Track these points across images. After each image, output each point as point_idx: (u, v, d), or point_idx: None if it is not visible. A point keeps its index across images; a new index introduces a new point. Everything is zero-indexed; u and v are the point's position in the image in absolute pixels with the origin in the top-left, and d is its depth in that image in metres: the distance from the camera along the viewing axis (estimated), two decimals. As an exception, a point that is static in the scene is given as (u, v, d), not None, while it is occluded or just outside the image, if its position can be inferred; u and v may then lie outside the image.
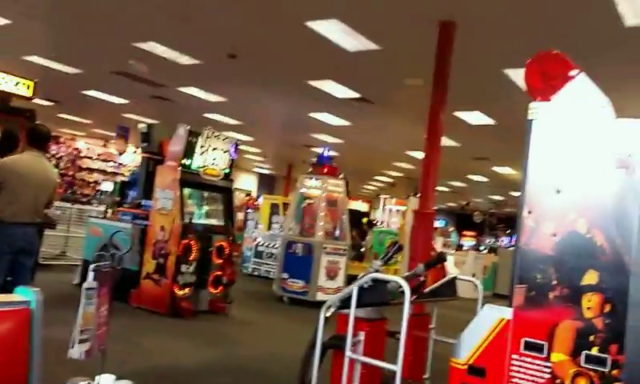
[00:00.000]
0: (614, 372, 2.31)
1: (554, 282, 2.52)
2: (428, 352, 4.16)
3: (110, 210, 8.75)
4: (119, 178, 16.36)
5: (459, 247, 20.91)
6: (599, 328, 2.40)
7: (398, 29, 7.27)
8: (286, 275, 9.34)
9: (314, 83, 10.21)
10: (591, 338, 2.42)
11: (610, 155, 2.45)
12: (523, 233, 2.62)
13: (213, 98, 12.65)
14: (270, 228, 13.20)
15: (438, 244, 17.03)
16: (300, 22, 7.30)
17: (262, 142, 19.34)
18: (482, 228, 27.50)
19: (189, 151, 7.31)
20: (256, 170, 29.21)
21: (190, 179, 7.40)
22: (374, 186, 28.42)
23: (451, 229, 23.76)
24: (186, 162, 7.31)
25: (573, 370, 2.43)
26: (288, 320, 7.92)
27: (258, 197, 21.14)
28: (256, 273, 12.34)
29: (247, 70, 10.10)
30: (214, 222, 7.95)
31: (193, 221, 7.34)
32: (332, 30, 7.40)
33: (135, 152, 18.45)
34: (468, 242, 23.80)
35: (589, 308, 2.44)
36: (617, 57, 7.11)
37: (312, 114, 12.98)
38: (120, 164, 20.16)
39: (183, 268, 7.00)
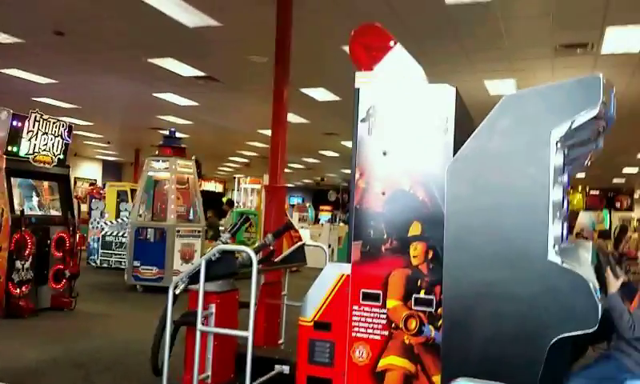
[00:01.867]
0: (439, 310, 2.61)
1: (385, 236, 2.75)
2: (282, 318, 4.33)
3: None
4: None
5: (316, 221, 21.65)
6: (425, 273, 2.69)
7: (237, 5, 7.23)
8: (137, 263, 8.99)
9: (154, 61, 9.78)
10: (419, 282, 2.69)
11: (426, 118, 2.72)
12: (356, 194, 2.82)
13: (41, 79, 11.55)
14: (118, 216, 12.57)
15: (294, 219, 17.51)
16: (134, -4, 6.95)
17: (104, 126, 18.14)
18: (337, 203, 28.69)
19: (14, 137, 6.68)
20: (99, 157, 27.37)
21: (19, 167, 6.78)
22: (230, 167, 28.16)
23: (308, 204, 24.50)
24: (12, 148, 6.67)
25: (405, 313, 2.70)
26: (142, 308, 7.65)
27: (104, 185, 19.87)
28: (105, 265, 11.70)
29: (78, 49, 9.37)
30: (51, 212, 7.37)
31: (25, 213, 6.74)
32: (168, 4, 7.14)
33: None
34: (324, 216, 24.73)
35: (415, 256, 2.71)
36: (441, 34, 7.79)
37: (156, 95, 12.44)
38: None
39: (18, 264, 6.44)
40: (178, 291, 3.23)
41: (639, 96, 10.49)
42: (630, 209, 27.47)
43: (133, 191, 12.45)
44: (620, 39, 7.82)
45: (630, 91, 10.15)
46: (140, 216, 9.64)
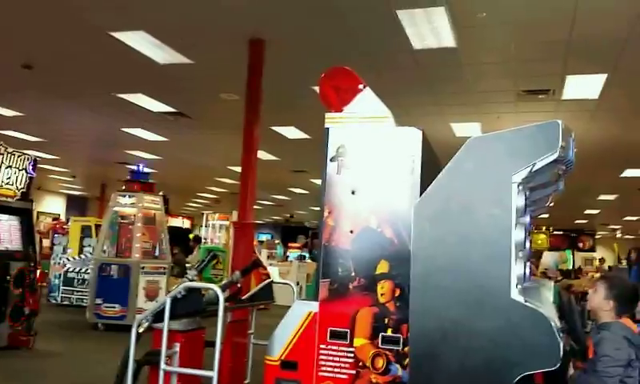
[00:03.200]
0: (406, 349, 2.61)
1: (353, 274, 2.77)
2: (248, 357, 4.26)
3: None
4: None
5: (285, 258, 21.51)
6: (392, 311, 2.70)
7: (208, 44, 7.32)
8: (99, 300, 8.75)
9: (124, 96, 9.75)
10: (386, 320, 2.70)
11: (393, 158, 2.78)
12: (325, 232, 2.84)
13: (7, 112, 11.37)
14: (81, 252, 12.26)
15: (263, 256, 17.36)
16: (104, 31, 6.96)
17: (70, 160, 17.85)
18: (307, 232, 28.61)
19: (-23, 170, 6.52)
20: (64, 191, 26.82)
21: (-20, 201, 6.59)
22: (198, 202, 27.94)
23: (277, 241, 24.36)
24: (-25, 181, 6.50)
25: (372, 351, 2.69)
26: (103, 347, 7.41)
27: (67, 220, 19.41)
28: (66, 302, 11.33)
29: (47, 82, 9.29)
30: (11, 247, 7.15)
31: (-16, 247, 6.54)
32: (139, 40, 7.18)
33: None
34: (293, 253, 24.58)
35: (382, 294, 2.73)
36: (407, 74, 8.02)
37: (125, 129, 12.36)
38: None
39: (-26, 301, 6.19)
40: (141, 330, 3.16)
41: (599, 139, 10.91)
42: (593, 249, 28.15)
43: (97, 226, 12.18)
44: (579, 86, 8.19)
45: (590, 135, 10.56)
46: (104, 252, 9.43)
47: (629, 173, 14.37)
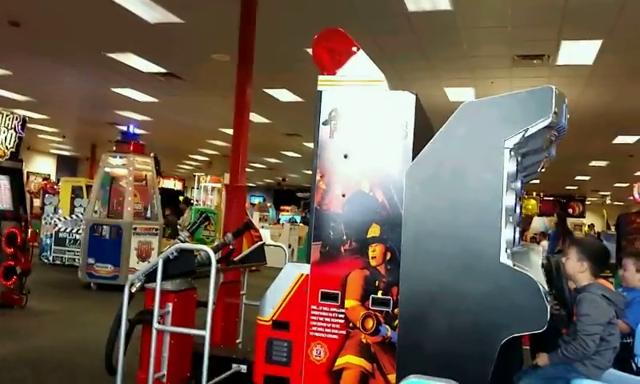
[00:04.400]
0: (396, 311, 2.66)
1: (345, 237, 2.79)
2: (240, 317, 4.31)
3: None
4: None
5: (277, 221, 21.57)
6: (382, 274, 2.74)
7: (200, 3, 7.17)
8: (92, 260, 8.79)
9: (113, 56, 9.58)
10: (376, 283, 2.74)
11: (386, 122, 2.77)
12: (317, 195, 2.85)
13: (-5, 70, 11.17)
14: (72, 213, 12.25)
15: (255, 219, 17.41)
16: (95, -12, 6.81)
17: (60, 120, 17.63)
18: (299, 202, 28.64)
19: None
20: (54, 151, 26.57)
21: (-31, 160, 6.53)
22: (190, 165, 27.79)
23: (269, 204, 24.39)
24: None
25: (362, 312, 2.74)
26: (95, 307, 7.48)
27: (58, 180, 19.30)
28: (58, 262, 11.37)
29: (35, 40, 9.10)
30: (1, 206, 7.13)
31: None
32: (130, -1, 7.03)
33: None
34: (286, 216, 24.64)
35: (373, 257, 2.76)
36: (402, 38, 7.92)
37: (115, 90, 12.18)
38: None
39: (-35, 260, 6.20)
40: (134, 289, 3.18)
41: (592, 106, 10.92)
42: (582, 215, 28.46)
43: (88, 187, 12.17)
44: (574, 52, 8.14)
45: (583, 101, 10.55)
46: (95, 212, 9.42)
47: (620, 139, 14.43)
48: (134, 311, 3.33)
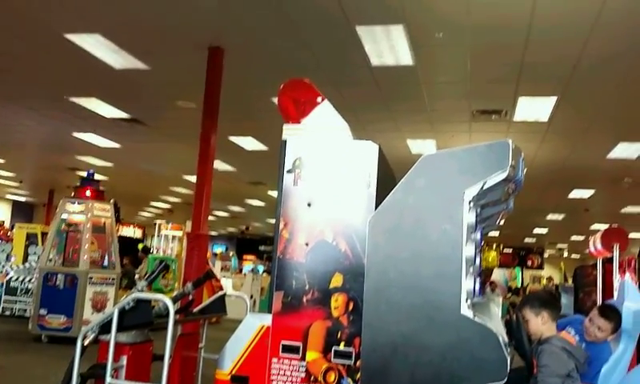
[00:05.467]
0: (358, 363, 2.61)
1: (307, 287, 2.75)
2: (197, 372, 4.16)
3: None
4: None
5: (240, 271, 21.27)
6: (345, 325, 2.69)
7: (166, 50, 7.21)
8: (44, 311, 8.41)
9: (76, 100, 9.47)
10: (339, 334, 2.69)
11: (350, 172, 2.79)
12: (280, 244, 2.82)
13: (-49, 112, 10.87)
14: (26, 260, 11.80)
15: (217, 268, 17.11)
16: (59, 33, 6.77)
17: (16, 164, 17.18)
18: (262, 255, 28.42)
19: None
20: (9, 196, 25.77)
21: None
22: (151, 212, 27.31)
23: (232, 253, 24.09)
24: None
25: (324, 365, 2.67)
26: (46, 360, 7.12)
27: (12, 227, 18.63)
28: (7, 312, 10.85)
29: (-5, 83, 8.95)
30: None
31: None
32: (94, 44, 7.01)
33: None
34: (248, 265, 24.34)
35: (336, 307, 2.72)
36: (365, 90, 8.11)
37: (76, 134, 11.99)
38: None
39: None
40: (87, 342, 3.04)
41: (548, 160, 11.31)
42: (541, 267, 29.05)
43: (44, 234, 11.77)
44: (530, 108, 8.48)
45: (540, 155, 10.93)
46: (50, 261, 9.09)
47: (576, 193, 14.93)
48: (87, 365, 3.18)
